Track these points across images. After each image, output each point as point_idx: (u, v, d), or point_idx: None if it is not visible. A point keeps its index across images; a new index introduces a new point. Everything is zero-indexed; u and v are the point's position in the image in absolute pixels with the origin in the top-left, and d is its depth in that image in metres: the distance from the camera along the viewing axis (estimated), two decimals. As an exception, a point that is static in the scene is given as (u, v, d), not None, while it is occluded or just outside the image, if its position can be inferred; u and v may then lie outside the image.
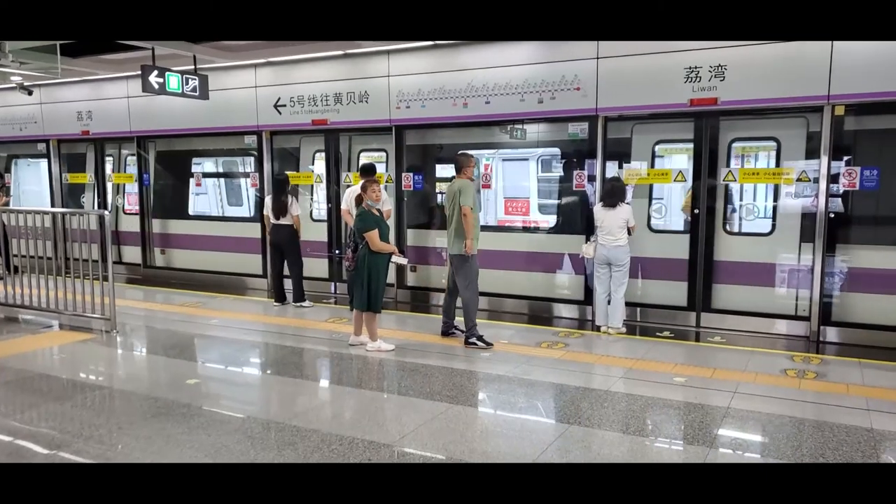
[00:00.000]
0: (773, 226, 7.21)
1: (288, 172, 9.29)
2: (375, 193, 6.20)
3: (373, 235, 6.06)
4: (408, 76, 8.45)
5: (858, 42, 6.19)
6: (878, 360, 5.89)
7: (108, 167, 11.84)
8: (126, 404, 4.90)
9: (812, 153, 6.75)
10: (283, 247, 8.39)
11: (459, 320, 6.72)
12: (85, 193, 12.15)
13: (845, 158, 6.58)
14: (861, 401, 4.84)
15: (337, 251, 9.54)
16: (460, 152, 6.74)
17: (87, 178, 11.98)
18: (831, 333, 6.73)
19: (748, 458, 4.02)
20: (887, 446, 4.09)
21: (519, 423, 4.63)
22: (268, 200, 8.48)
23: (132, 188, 11.63)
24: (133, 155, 11.37)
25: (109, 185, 11.78)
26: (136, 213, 11.32)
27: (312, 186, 9.90)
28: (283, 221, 8.27)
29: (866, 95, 6.33)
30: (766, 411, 4.65)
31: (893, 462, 3.89)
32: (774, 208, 7.27)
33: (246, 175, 10.49)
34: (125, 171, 11.71)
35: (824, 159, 6.55)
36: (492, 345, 6.34)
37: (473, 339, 6.36)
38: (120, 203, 11.72)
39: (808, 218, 6.84)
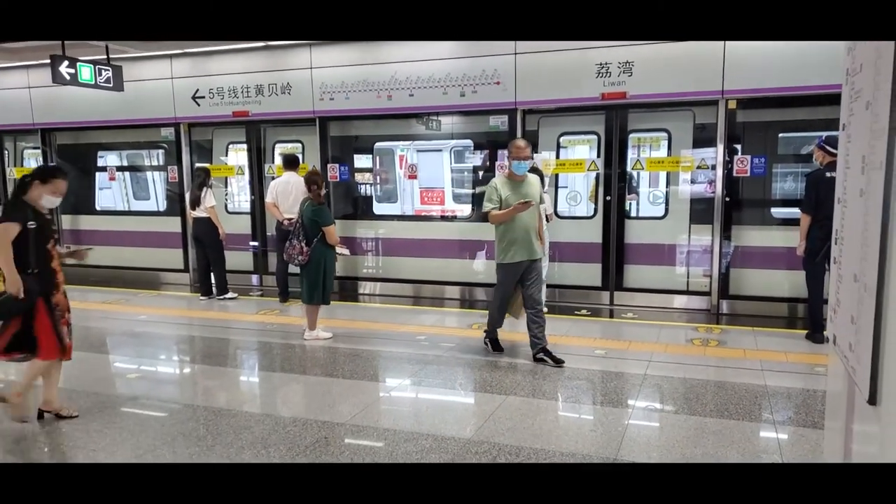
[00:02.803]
0: (667, 210, 7.89)
1: (209, 165, 9.20)
2: (322, 189, 6.30)
3: (333, 230, 6.22)
4: (331, 68, 8.56)
5: (746, 43, 6.89)
6: (768, 328, 6.65)
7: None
8: (67, 401, 4.83)
9: (704, 142, 7.44)
10: (202, 240, 8.33)
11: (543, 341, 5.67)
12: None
13: (736, 147, 7.31)
14: (756, 363, 5.50)
15: (254, 243, 9.52)
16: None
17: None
18: (729, 306, 7.48)
19: (665, 417, 4.53)
20: (778, 399, 4.71)
21: (461, 398, 4.97)
22: (188, 193, 8.42)
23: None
24: (33, 148, 10.86)
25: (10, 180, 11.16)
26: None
27: (227, 179, 9.83)
28: (199, 214, 8.22)
29: (753, 91, 7.06)
30: (677, 376, 5.21)
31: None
32: (667, 193, 7.94)
33: (163, 168, 10.23)
34: (23, 166, 11.12)
35: (720, 148, 7.25)
36: (502, 350, 5.88)
37: (486, 341, 5.98)
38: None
39: (705, 202, 7.53)
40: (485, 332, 6.02)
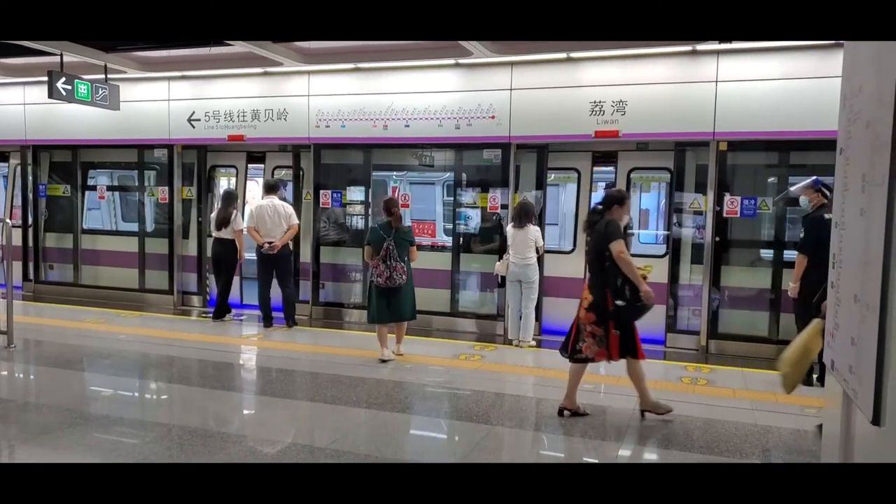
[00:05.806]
0: (667, 250, 7.87)
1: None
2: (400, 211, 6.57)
3: (415, 249, 6.62)
4: (328, 96, 8.60)
5: (737, 87, 7.00)
6: (758, 369, 6.59)
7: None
8: (38, 416, 4.71)
9: (696, 184, 7.48)
10: (223, 260, 8.31)
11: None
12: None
13: (727, 188, 7.36)
14: (746, 402, 5.43)
15: None
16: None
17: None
18: (717, 346, 7.41)
19: (655, 451, 4.44)
20: (770, 437, 4.65)
21: (447, 426, 4.86)
22: (213, 214, 8.43)
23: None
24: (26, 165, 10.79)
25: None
26: (19, 227, 10.67)
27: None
28: (223, 235, 8.20)
29: (743, 134, 7.13)
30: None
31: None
32: (667, 236, 7.95)
33: (154, 189, 10.14)
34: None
35: (710, 189, 7.28)
36: None
37: None
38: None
39: (697, 242, 7.53)
40: None
